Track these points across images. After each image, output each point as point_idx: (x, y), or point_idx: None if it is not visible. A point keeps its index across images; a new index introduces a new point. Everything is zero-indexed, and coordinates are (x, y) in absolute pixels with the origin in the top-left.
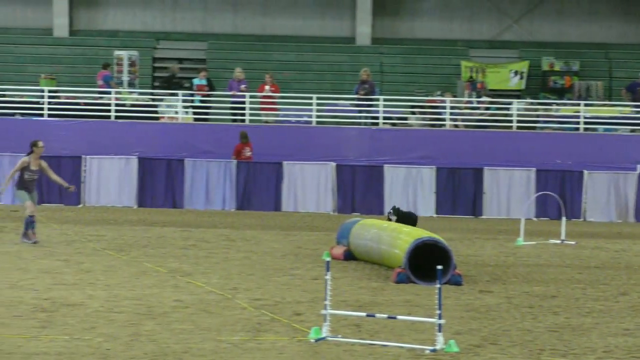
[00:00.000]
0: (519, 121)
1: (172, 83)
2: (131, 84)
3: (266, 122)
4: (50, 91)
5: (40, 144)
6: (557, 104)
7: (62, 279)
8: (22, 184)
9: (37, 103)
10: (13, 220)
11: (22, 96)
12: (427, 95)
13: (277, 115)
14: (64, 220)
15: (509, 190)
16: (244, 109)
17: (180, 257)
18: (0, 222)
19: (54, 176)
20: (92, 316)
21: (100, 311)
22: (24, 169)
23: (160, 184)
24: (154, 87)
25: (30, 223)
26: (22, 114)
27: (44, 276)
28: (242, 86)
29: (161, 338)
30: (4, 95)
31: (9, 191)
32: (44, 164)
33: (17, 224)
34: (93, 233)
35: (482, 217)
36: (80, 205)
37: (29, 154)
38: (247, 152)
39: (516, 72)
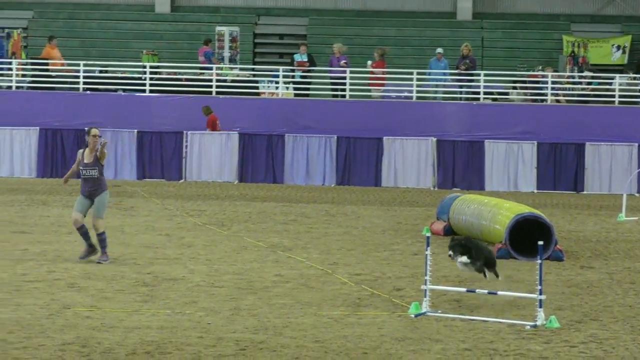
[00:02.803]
0: (620, 96)
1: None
2: (232, 60)
3: (369, 97)
4: (152, 67)
5: (94, 131)
6: None
7: (163, 254)
8: (81, 184)
9: (139, 79)
10: (114, 195)
11: (124, 72)
12: (528, 70)
13: (381, 91)
14: (166, 195)
15: (611, 166)
16: (344, 84)
17: (281, 232)
18: None
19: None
20: (194, 290)
21: (201, 285)
22: (79, 163)
23: (260, 159)
24: (254, 63)
25: (81, 234)
26: (125, 90)
27: (146, 251)
28: (342, 62)
29: (262, 312)
30: (106, 71)
31: (111, 165)
32: (104, 152)
33: (119, 199)
34: (194, 208)
35: (584, 192)
36: (182, 181)
37: (86, 145)
38: (219, 124)
39: (618, 47)
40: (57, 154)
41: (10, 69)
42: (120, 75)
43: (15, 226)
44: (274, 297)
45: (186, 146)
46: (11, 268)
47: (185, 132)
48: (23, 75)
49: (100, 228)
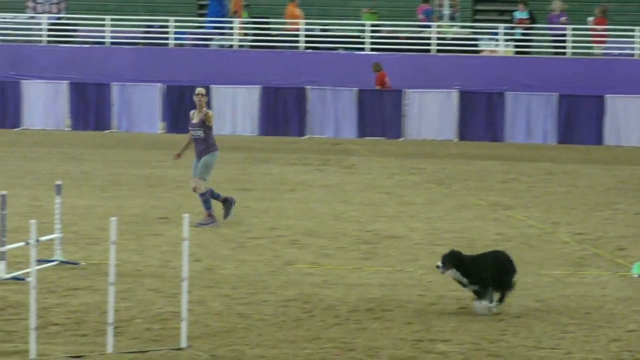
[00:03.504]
0: None
1: None
2: (452, 18)
3: (590, 55)
4: (372, 25)
5: (197, 90)
6: None
7: (384, 212)
8: (193, 145)
9: (359, 37)
10: (336, 153)
11: (344, 30)
12: None
13: (602, 48)
14: (385, 153)
15: None
16: (564, 41)
17: (501, 191)
18: (324, 154)
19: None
20: (414, 248)
21: (421, 244)
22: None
23: (480, 117)
24: (474, 21)
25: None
26: (345, 48)
27: (366, 208)
28: (562, 19)
29: None
30: (327, 30)
31: (331, 124)
32: (209, 114)
33: (340, 157)
34: (414, 166)
35: None
36: (401, 139)
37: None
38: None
39: None
40: (278, 112)
41: (232, 28)
42: (340, 33)
43: (237, 183)
44: None
45: (406, 104)
46: (234, 224)
47: (404, 90)
48: (245, 35)
49: (198, 188)
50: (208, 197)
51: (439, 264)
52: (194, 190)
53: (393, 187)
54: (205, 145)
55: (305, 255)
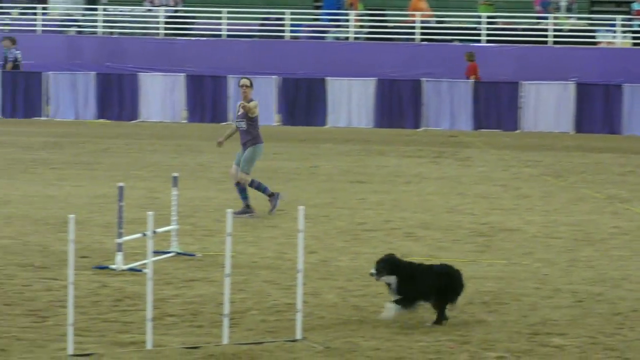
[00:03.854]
0: None
1: None
2: (569, 9)
3: None
4: (488, 17)
5: (241, 82)
6: None
7: (499, 204)
8: None
9: (475, 29)
10: (451, 145)
11: (460, 22)
12: None
13: None
14: (501, 145)
15: None
16: None
17: (618, 184)
18: (439, 147)
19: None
20: (530, 241)
21: (537, 236)
22: None
23: (597, 109)
24: (591, 12)
25: (239, 192)
26: (461, 40)
27: (482, 201)
28: None
29: (599, 264)
30: (443, 22)
31: (447, 116)
32: (250, 105)
33: (455, 149)
34: (530, 158)
35: None
36: (517, 131)
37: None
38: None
39: None
40: (393, 104)
41: (347, 20)
42: (456, 25)
43: (352, 175)
44: (612, 249)
45: (522, 96)
46: (349, 217)
47: (521, 82)
48: (360, 27)
49: (241, 181)
50: (242, 188)
51: (373, 270)
52: (233, 178)
53: (509, 179)
54: (249, 136)
55: (420, 247)
